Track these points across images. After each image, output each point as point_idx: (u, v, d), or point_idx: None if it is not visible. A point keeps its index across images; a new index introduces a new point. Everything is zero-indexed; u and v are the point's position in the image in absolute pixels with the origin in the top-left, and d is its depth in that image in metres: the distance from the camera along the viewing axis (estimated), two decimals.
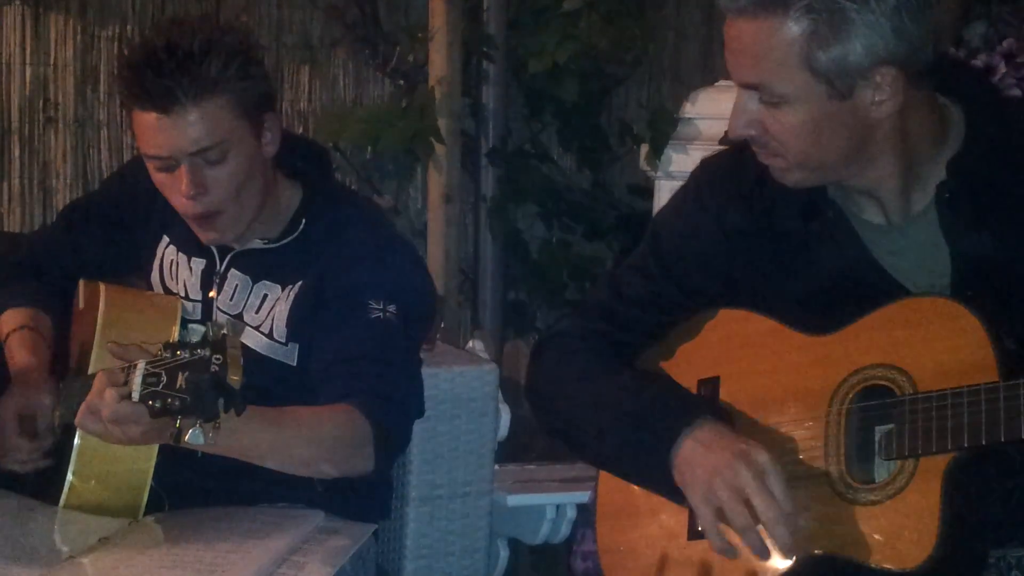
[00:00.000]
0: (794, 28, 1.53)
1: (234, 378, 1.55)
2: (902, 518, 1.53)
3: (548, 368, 1.79)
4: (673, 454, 1.61)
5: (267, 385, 1.89)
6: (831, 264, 1.65)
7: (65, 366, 2.04)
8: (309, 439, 1.82)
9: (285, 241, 2.00)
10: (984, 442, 1.48)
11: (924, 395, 1.54)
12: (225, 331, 1.58)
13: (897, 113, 1.57)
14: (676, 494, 1.65)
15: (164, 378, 1.57)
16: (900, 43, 1.53)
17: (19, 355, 2.00)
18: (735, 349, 1.71)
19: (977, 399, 1.49)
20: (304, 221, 2.00)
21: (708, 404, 1.67)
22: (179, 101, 1.84)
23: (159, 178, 1.93)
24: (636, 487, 1.73)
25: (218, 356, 1.55)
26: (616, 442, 1.68)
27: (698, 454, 1.59)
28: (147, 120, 1.87)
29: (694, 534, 1.68)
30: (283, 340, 1.97)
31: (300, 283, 1.97)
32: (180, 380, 1.55)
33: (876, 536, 1.54)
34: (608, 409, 1.69)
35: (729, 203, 1.72)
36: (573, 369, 1.75)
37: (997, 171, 1.60)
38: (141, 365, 1.60)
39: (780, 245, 1.69)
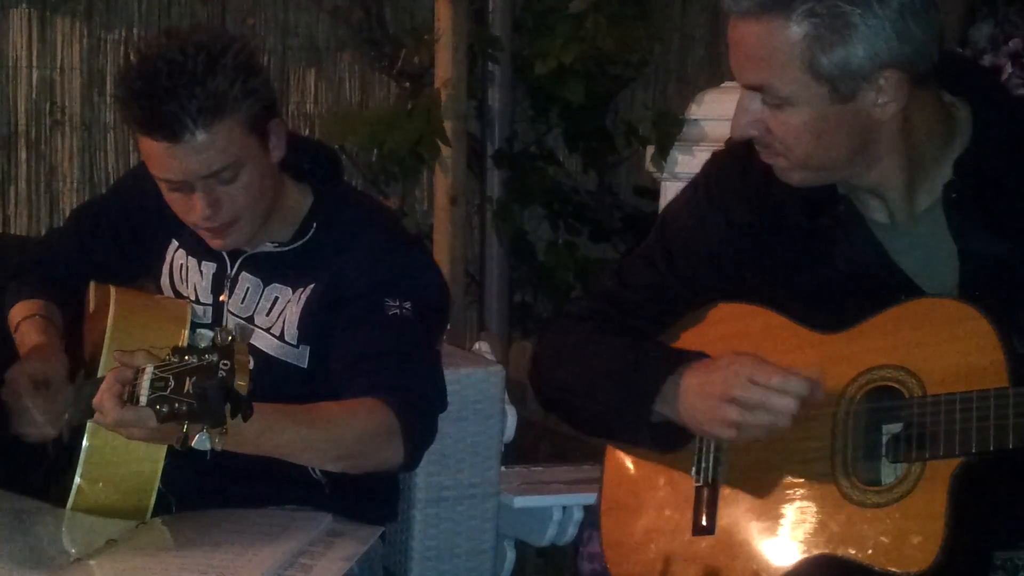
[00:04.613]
0: (796, 31, 1.53)
1: (241, 384, 1.55)
2: (908, 522, 1.53)
3: (550, 343, 1.80)
4: (669, 407, 1.63)
5: (278, 388, 1.89)
6: (842, 260, 1.65)
7: (75, 368, 2.05)
8: (334, 434, 1.83)
9: (296, 244, 2.00)
10: (992, 448, 1.48)
11: (933, 398, 1.54)
12: (233, 336, 1.58)
13: (901, 114, 1.57)
14: (662, 442, 1.66)
15: (172, 383, 1.57)
16: (904, 46, 1.53)
17: (30, 337, 1.99)
18: (744, 344, 1.70)
19: (986, 404, 1.49)
20: (315, 224, 2.01)
21: (695, 353, 1.67)
22: (188, 128, 1.83)
23: (172, 197, 1.93)
24: (641, 481, 1.74)
25: (226, 362, 1.55)
26: (603, 399, 1.69)
27: (702, 404, 1.61)
28: (157, 148, 1.86)
29: (698, 529, 1.68)
30: (294, 342, 1.97)
31: (312, 285, 1.97)
32: (187, 385, 1.56)
33: (881, 539, 1.54)
34: (597, 370, 1.70)
35: (738, 198, 1.72)
36: (571, 340, 1.77)
37: (1005, 170, 1.60)
38: (149, 369, 1.61)
39: (789, 241, 1.69)
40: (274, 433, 1.75)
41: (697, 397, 1.61)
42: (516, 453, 2.59)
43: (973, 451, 1.50)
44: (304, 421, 1.80)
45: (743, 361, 1.59)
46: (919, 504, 1.52)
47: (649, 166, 3.05)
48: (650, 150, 3.03)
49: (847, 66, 1.53)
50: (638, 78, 3.70)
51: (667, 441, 1.66)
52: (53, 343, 1.99)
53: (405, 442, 1.85)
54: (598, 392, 1.70)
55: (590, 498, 2.51)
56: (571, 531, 2.60)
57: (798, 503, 1.62)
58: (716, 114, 2.81)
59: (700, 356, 1.66)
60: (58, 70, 3.38)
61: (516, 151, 3.58)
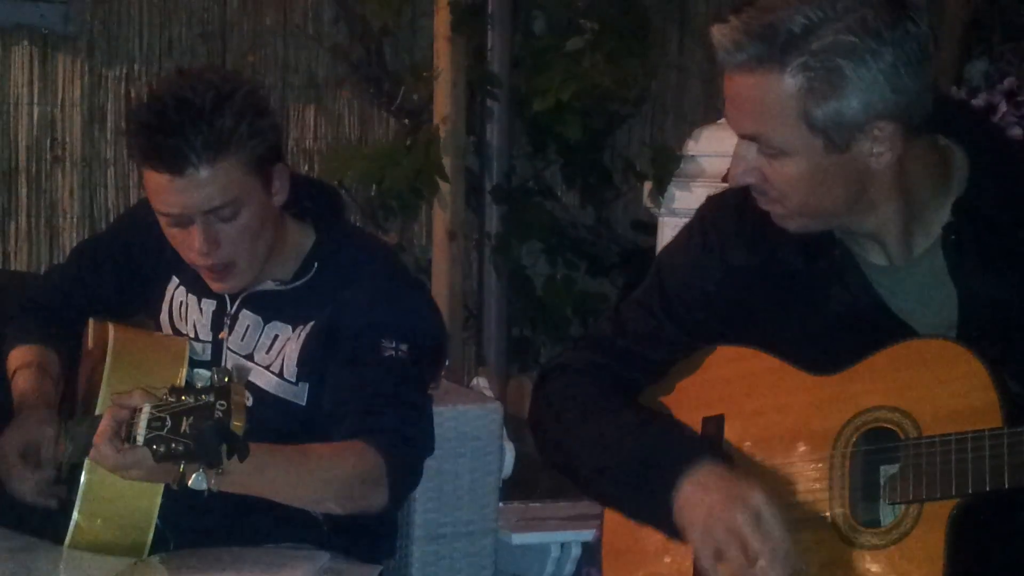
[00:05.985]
0: (790, 83, 1.53)
1: (237, 424, 1.56)
2: (906, 563, 1.52)
3: (551, 401, 1.79)
4: (674, 496, 1.62)
5: (277, 425, 1.90)
6: (837, 304, 1.66)
7: (73, 405, 2.05)
8: (324, 476, 1.83)
9: (298, 283, 2.01)
10: (988, 489, 1.48)
11: (928, 439, 1.54)
12: (230, 376, 1.59)
13: (896, 162, 1.58)
14: (678, 534, 1.65)
15: (169, 423, 1.58)
16: (898, 98, 1.54)
17: (24, 390, 2.00)
18: (740, 387, 1.71)
19: (981, 445, 1.49)
20: (317, 264, 2.01)
21: (708, 445, 1.67)
22: (192, 163, 1.85)
23: (171, 232, 1.95)
24: (642, 527, 1.73)
25: (222, 402, 1.55)
26: (618, 482, 1.69)
27: (696, 497, 1.60)
28: (160, 180, 1.89)
29: (700, 574, 1.67)
30: (293, 380, 1.97)
31: (312, 323, 1.98)
32: (184, 425, 1.56)
33: None
34: (610, 448, 1.69)
35: (733, 241, 1.73)
36: (576, 404, 1.75)
37: (1003, 212, 1.60)
38: (146, 409, 1.61)
39: (784, 284, 1.69)
40: (261, 473, 1.74)
41: (700, 517, 1.59)
42: (514, 489, 2.58)
43: (969, 492, 1.50)
44: (291, 462, 1.81)
45: (747, 505, 1.56)
46: (918, 545, 1.52)
47: (647, 201, 3.06)
48: (647, 186, 3.05)
49: (841, 118, 1.54)
50: (635, 114, 3.72)
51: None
52: (44, 400, 2.00)
53: (390, 486, 1.85)
54: (611, 476, 1.69)
55: (588, 534, 2.51)
56: (569, 568, 2.59)
57: (798, 546, 1.60)
58: (713, 150, 2.82)
59: (709, 448, 1.65)
60: (59, 107, 3.40)
61: (514, 186, 3.59)
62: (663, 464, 1.64)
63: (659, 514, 1.64)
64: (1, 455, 1.93)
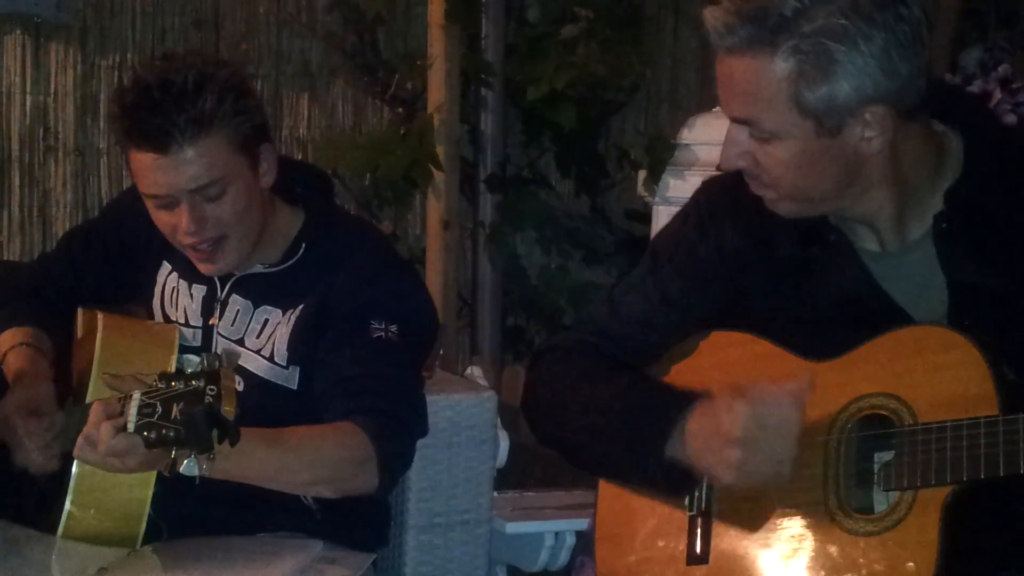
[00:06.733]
0: (781, 67, 1.53)
1: (227, 409, 1.55)
2: (901, 550, 1.53)
3: (543, 378, 1.79)
4: (677, 450, 1.61)
5: (268, 408, 1.90)
6: (833, 289, 1.65)
7: (64, 394, 2.04)
8: (311, 459, 1.83)
9: (286, 265, 2.01)
10: (982, 476, 1.49)
11: (924, 426, 1.54)
12: (220, 362, 1.59)
13: (888, 147, 1.58)
14: (671, 488, 1.65)
15: (159, 409, 1.57)
16: (889, 82, 1.53)
17: (19, 367, 1.99)
18: (736, 373, 1.70)
19: (976, 432, 1.49)
20: (304, 245, 2.01)
21: (699, 395, 1.65)
22: (176, 140, 1.85)
23: (159, 216, 1.95)
24: (635, 511, 1.73)
25: (212, 387, 1.55)
26: (610, 441, 1.68)
27: (699, 441, 1.59)
28: (145, 160, 1.89)
29: (692, 558, 1.68)
30: (284, 363, 1.97)
31: (301, 306, 1.98)
32: (175, 411, 1.56)
33: (875, 567, 1.54)
34: (601, 410, 1.69)
35: (728, 226, 1.72)
36: (567, 376, 1.75)
37: (996, 201, 1.60)
38: (136, 396, 1.61)
39: (779, 269, 1.69)
40: (251, 457, 1.74)
41: (701, 440, 1.60)
42: (508, 478, 2.58)
43: (964, 479, 1.50)
44: (280, 445, 1.80)
45: (743, 401, 1.57)
46: (912, 532, 1.52)
47: (641, 190, 3.06)
48: (642, 174, 3.05)
49: (832, 102, 1.54)
50: (630, 103, 3.72)
51: (678, 483, 1.65)
52: (39, 371, 1.99)
53: (379, 468, 1.84)
54: (604, 436, 1.69)
55: (582, 523, 2.51)
56: (563, 556, 2.59)
57: (792, 531, 1.62)
58: (707, 138, 2.82)
59: (703, 396, 1.64)
60: (52, 96, 3.39)
61: (509, 175, 3.59)
62: (654, 417, 1.64)
63: (653, 470, 1.63)
64: (3, 417, 1.91)
